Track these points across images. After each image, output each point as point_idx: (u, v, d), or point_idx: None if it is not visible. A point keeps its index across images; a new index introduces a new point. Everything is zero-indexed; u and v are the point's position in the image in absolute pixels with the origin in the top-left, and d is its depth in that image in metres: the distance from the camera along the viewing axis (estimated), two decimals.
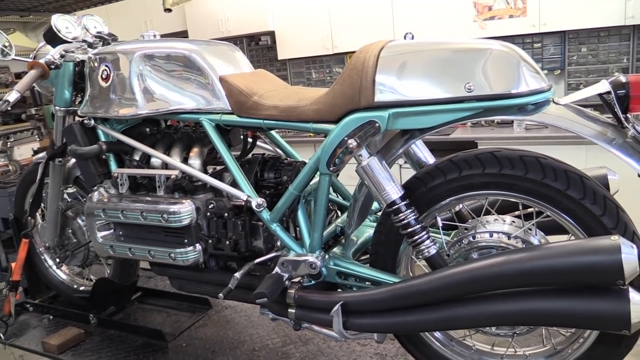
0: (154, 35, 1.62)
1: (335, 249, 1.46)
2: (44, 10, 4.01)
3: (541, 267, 1.02)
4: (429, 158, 1.46)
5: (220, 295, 1.39)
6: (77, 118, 1.74)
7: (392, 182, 1.21)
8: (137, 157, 1.64)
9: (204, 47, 1.51)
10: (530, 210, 1.25)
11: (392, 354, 1.69)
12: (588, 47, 3.62)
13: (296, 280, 1.38)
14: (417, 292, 1.16)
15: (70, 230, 2.08)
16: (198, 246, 1.50)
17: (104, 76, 1.57)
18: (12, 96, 1.55)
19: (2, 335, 2.09)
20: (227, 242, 1.47)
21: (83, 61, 1.69)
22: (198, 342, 1.90)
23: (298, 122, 1.33)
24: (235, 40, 4.88)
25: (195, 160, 1.56)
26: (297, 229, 1.47)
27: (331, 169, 1.25)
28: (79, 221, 2.06)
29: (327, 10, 4.27)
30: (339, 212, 1.67)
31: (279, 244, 1.47)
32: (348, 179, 1.64)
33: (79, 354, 1.92)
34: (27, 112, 4.41)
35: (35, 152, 4.03)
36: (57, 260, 2.19)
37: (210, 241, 1.50)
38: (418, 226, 1.21)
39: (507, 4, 3.57)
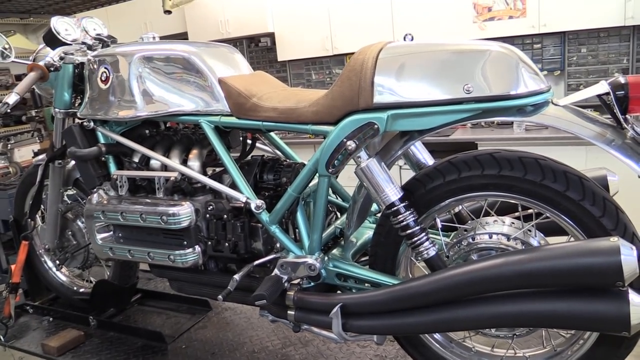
0: (153, 37, 1.62)
1: (334, 251, 1.46)
2: (44, 12, 4.01)
3: (541, 268, 1.01)
4: (428, 159, 1.46)
5: (220, 297, 1.39)
6: (76, 120, 1.74)
7: (391, 184, 1.21)
8: (136, 159, 1.64)
9: (203, 49, 1.51)
10: (529, 211, 1.25)
11: (392, 355, 1.69)
12: (588, 47, 3.62)
13: (295, 282, 1.38)
14: (416, 294, 1.16)
15: (70, 232, 2.08)
16: (197, 248, 1.50)
17: (103, 78, 1.57)
18: (12, 99, 1.55)
19: (2, 337, 2.09)
20: (227, 244, 1.47)
21: (82, 63, 1.70)
22: (198, 343, 1.90)
23: (297, 123, 1.33)
24: (235, 41, 4.89)
25: (194, 162, 1.56)
26: (297, 230, 1.47)
27: (330, 170, 1.25)
28: (79, 223, 2.06)
29: (326, 12, 4.28)
30: (338, 214, 1.67)
31: (278, 245, 1.47)
32: (347, 180, 1.64)
33: (79, 356, 1.91)
34: (28, 114, 4.42)
35: (36, 154, 4.03)
36: (57, 262, 2.19)
37: (209, 243, 1.50)
38: (417, 227, 1.21)
39: (507, 4, 3.58)
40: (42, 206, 2.10)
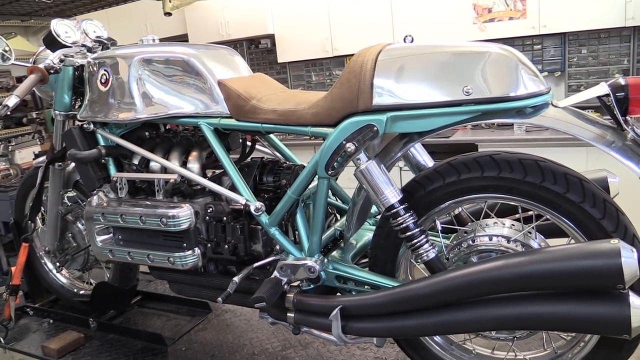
0: (153, 40, 1.62)
1: (334, 253, 1.46)
2: (45, 14, 4.02)
3: (541, 271, 1.01)
4: (427, 161, 1.46)
5: (219, 299, 1.39)
6: (76, 122, 1.74)
7: (390, 186, 1.21)
8: (136, 161, 1.64)
9: (202, 51, 1.51)
10: (529, 213, 1.24)
11: (392, 357, 1.68)
12: (588, 48, 3.62)
13: (295, 284, 1.38)
14: (416, 296, 1.15)
15: (70, 234, 2.08)
16: (197, 250, 1.50)
17: (103, 80, 1.58)
18: (12, 101, 1.55)
19: (2, 339, 2.09)
20: (226, 246, 1.47)
21: (82, 65, 1.70)
22: (198, 346, 1.90)
23: (296, 125, 1.33)
24: (235, 43, 4.90)
25: (194, 164, 1.56)
26: (296, 232, 1.47)
27: (329, 172, 1.25)
28: (79, 225, 2.06)
29: (326, 13, 4.28)
30: (338, 216, 1.67)
31: (277, 247, 1.47)
32: (347, 181, 1.64)
33: (79, 358, 1.91)
34: (28, 115, 4.42)
35: (37, 156, 4.03)
36: (57, 264, 2.19)
37: (209, 245, 1.50)
38: (417, 230, 1.20)
39: (507, 5, 3.57)
40: (42, 208, 2.10)
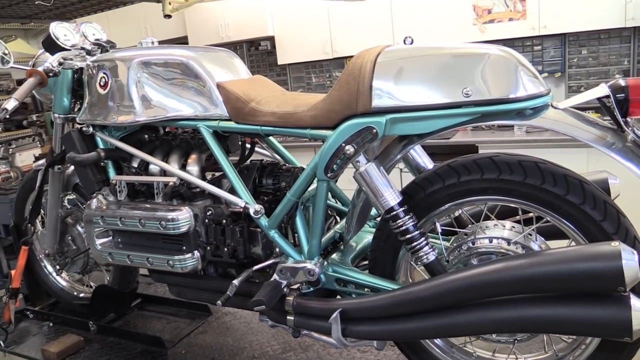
0: (152, 42, 1.62)
1: (333, 256, 1.45)
2: (44, 17, 4.03)
3: (541, 273, 1.01)
4: (427, 163, 1.45)
5: (219, 302, 1.38)
6: (75, 125, 1.74)
7: (390, 188, 1.21)
8: (135, 164, 1.64)
9: (201, 53, 1.51)
10: (530, 215, 1.24)
11: None
12: (588, 49, 3.62)
13: (295, 287, 1.37)
14: (416, 299, 1.15)
15: (69, 237, 2.08)
16: (196, 253, 1.49)
17: (102, 83, 1.57)
18: (10, 104, 1.55)
19: (2, 343, 2.08)
20: (226, 249, 1.46)
21: (81, 68, 1.69)
22: (197, 349, 1.89)
23: (295, 128, 1.33)
24: (235, 45, 4.90)
25: (193, 167, 1.55)
26: (296, 235, 1.46)
27: (329, 175, 1.25)
28: (79, 228, 2.05)
29: (326, 15, 4.28)
30: (337, 218, 1.66)
31: (277, 250, 1.46)
32: (347, 184, 1.63)
33: None
34: (29, 118, 4.43)
35: (37, 159, 4.04)
36: (57, 267, 2.18)
37: (208, 248, 1.50)
38: (417, 232, 1.20)
39: (507, 6, 3.57)
40: (42, 211, 2.09)
